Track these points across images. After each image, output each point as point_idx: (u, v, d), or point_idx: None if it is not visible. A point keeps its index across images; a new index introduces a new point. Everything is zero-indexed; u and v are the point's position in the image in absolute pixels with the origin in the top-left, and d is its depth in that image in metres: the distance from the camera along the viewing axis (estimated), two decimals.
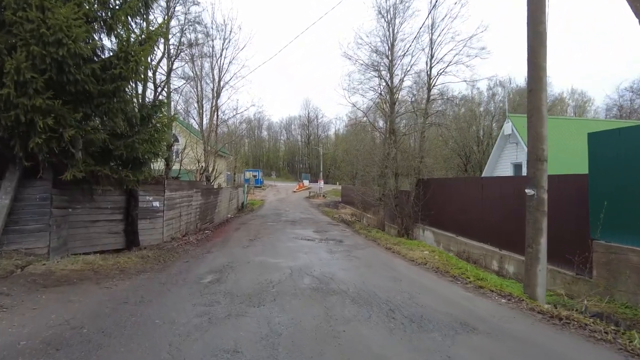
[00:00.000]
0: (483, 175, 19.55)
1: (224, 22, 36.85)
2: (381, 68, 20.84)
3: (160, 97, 14.41)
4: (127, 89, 8.69)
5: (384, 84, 20.46)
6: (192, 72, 20.03)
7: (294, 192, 56.13)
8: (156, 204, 12.16)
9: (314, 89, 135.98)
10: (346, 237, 15.50)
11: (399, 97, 20.59)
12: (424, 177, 18.80)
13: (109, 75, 8.04)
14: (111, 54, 8.74)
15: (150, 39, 8.78)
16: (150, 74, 12.66)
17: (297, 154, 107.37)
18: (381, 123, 24.63)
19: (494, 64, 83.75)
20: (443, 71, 19.73)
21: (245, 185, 34.91)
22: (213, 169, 23.88)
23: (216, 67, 22.55)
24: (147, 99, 13.09)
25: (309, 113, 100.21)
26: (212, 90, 23.08)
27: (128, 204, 11.25)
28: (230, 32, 22.83)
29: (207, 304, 5.81)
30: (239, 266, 8.88)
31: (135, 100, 10.91)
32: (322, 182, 52.79)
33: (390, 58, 20.28)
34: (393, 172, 19.74)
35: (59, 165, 8.53)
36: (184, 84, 19.33)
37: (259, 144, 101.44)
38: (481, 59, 30.82)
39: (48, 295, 5.94)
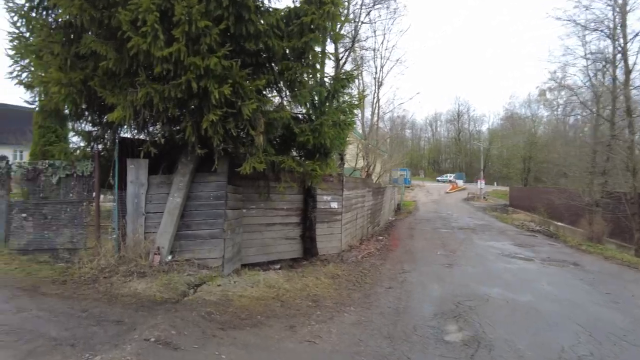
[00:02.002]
0: None
1: None
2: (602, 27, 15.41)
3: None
4: (318, 48, 6.33)
5: (611, 47, 15.02)
6: (356, 57, 17.69)
7: (447, 193, 50.79)
8: (334, 204, 9.91)
9: (463, 81, 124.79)
10: (574, 257, 11.16)
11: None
12: None
13: (296, 27, 5.75)
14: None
15: None
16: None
17: (443, 152, 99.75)
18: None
19: None
20: None
21: (403, 186, 31.92)
22: (374, 167, 21.43)
23: (379, 50, 19.81)
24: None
25: (458, 107, 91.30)
26: (375, 79, 20.52)
27: (305, 205, 9.21)
28: (395, 11, 19.79)
29: None
30: (480, 307, 5.74)
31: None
32: (482, 182, 46.41)
33: (618, 10, 14.76)
34: (628, 168, 14.18)
35: (232, 156, 6.72)
36: (358, 65, 16.92)
37: (401, 142, 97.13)
38: None
39: (229, 353, 3.72)
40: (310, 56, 6.04)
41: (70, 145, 8.65)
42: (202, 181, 6.74)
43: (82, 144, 7.65)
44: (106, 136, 7.44)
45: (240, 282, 5.94)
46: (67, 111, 6.42)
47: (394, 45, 21.88)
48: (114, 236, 6.82)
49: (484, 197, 43.63)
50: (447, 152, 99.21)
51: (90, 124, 7.37)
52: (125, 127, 6.66)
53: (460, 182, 58.09)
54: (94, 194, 7.20)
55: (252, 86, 5.46)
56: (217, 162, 6.06)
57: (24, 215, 7.34)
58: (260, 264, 8.37)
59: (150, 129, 7.24)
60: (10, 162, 7.90)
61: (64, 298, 5.07)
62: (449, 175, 69.68)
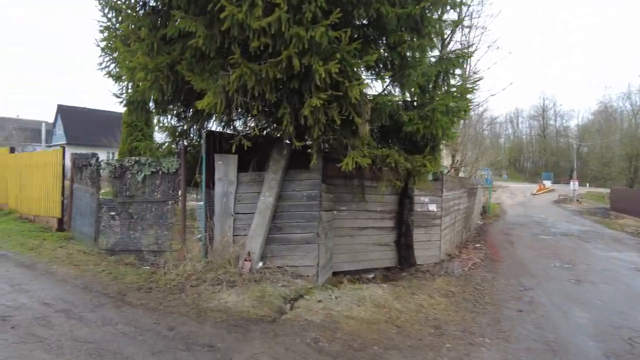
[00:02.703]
0: None
1: None
2: None
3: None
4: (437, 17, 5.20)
5: None
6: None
7: (534, 194, 46.41)
8: (432, 207, 8.66)
9: (548, 72, 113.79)
10: None
11: None
12: None
13: None
14: None
15: None
16: None
17: (525, 151, 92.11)
18: None
19: None
20: None
21: (490, 187, 29.38)
22: (461, 165, 19.65)
23: (468, 36, 17.87)
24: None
25: (544, 102, 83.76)
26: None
27: (400, 207, 8.10)
28: None
29: None
30: None
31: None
32: (576, 182, 41.69)
33: None
34: None
35: (325, 150, 5.83)
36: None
37: (479, 141, 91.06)
38: None
39: None
40: (427, 26, 4.93)
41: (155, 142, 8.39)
42: (295, 179, 5.93)
43: (167, 140, 7.24)
44: (192, 131, 6.96)
45: (343, 298, 5.00)
46: (152, 103, 5.99)
47: (482, 32, 18.81)
48: (199, 236, 6.27)
49: (577, 200, 39.05)
50: (529, 150, 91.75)
51: (176, 118, 6.93)
52: (213, 119, 6.06)
53: (548, 183, 53.01)
54: (179, 192, 6.73)
55: (359, 64, 4.50)
56: (315, 156, 5.17)
57: (112, 213, 7.09)
58: (350, 272, 7.44)
59: (237, 123, 6.64)
60: (99, 160, 7.76)
61: (149, 310, 4.50)
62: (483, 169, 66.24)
